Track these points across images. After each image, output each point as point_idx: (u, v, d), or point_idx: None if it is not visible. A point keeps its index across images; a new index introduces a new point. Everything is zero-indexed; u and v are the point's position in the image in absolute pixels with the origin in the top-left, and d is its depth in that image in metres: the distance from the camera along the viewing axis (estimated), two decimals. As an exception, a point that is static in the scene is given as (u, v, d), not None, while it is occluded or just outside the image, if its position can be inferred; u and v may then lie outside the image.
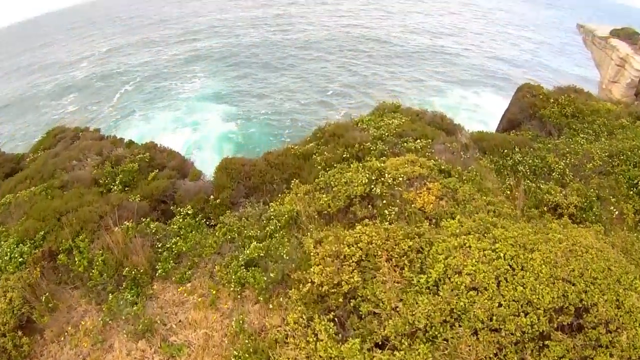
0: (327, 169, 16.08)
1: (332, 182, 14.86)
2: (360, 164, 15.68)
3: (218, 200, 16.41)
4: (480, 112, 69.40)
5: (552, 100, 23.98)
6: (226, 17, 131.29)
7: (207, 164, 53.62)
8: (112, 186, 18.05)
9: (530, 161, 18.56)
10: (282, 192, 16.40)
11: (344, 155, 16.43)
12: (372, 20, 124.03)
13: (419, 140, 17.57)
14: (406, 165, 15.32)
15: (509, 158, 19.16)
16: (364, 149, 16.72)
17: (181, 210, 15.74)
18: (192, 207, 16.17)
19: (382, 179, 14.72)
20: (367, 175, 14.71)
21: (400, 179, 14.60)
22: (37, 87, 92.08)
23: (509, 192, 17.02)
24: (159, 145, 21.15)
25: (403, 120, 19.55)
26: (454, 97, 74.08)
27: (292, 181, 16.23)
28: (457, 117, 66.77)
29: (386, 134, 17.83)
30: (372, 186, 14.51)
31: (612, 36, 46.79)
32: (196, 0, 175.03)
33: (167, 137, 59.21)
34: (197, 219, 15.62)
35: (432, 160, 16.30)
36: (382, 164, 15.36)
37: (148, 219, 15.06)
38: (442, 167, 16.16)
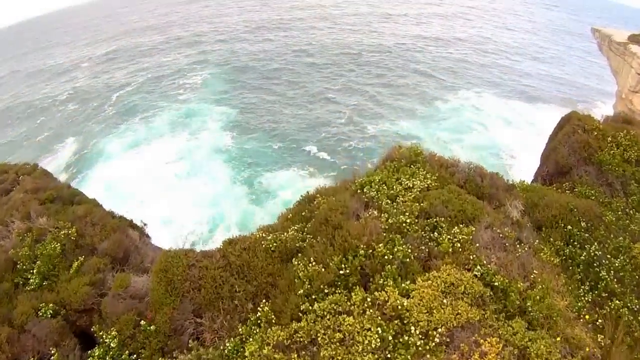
0: (314, 295, 8.83)
1: (319, 336, 7.67)
2: (368, 296, 8.45)
3: (153, 327, 9.41)
4: (482, 114, 62.65)
5: (609, 139, 16.48)
6: (229, 21, 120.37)
7: (197, 174, 48.60)
8: (29, 275, 12.55)
9: (615, 263, 11.21)
10: (247, 315, 9.39)
11: (341, 271, 9.07)
12: (371, 24, 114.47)
13: (456, 229, 10.24)
14: (443, 300, 8.21)
15: (576, 244, 11.97)
16: (374, 257, 9.39)
17: (104, 335, 10.20)
18: (118, 332, 9.50)
19: (406, 336, 7.53)
20: (379, 330, 7.55)
21: (437, 336, 7.44)
22: (37, 89, 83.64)
23: (587, 317, 9.86)
24: (95, 210, 13.98)
25: (428, 182, 12.24)
26: (457, 100, 66.58)
27: (261, 305, 9.17)
28: (460, 119, 60.58)
29: (407, 219, 10.43)
30: (389, 354, 7.33)
31: (631, 42, 38.67)
32: (197, 3, 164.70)
33: (163, 144, 53.11)
34: (123, 357, 9.83)
35: (478, 267, 9.24)
36: (404, 301, 8.13)
37: (56, 354, 9.92)
38: (496, 283, 8.98)
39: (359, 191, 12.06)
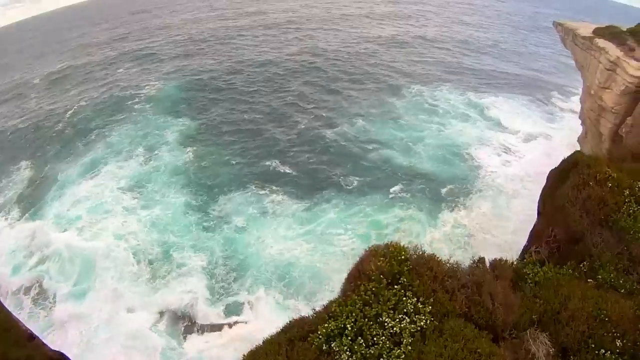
0: None
1: None
2: None
3: None
4: (439, 110, 60.65)
5: (626, 192, 12.76)
6: (182, 32, 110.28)
7: (153, 198, 42.77)
8: None
9: None
10: None
11: None
12: (327, 26, 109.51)
13: None
14: None
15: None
16: None
17: None
18: None
19: None
20: None
21: None
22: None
23: None
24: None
25: (422, 320, 8.10)
26: (414, 97, 64.34)
27: None
28: (417, 117, 57.24)
29: None
30: None
31: (597, 36, 35.58)
32: (146, 13, 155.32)
33: (120, 164, 48.29)
34: None
35: None
36: None
37: None
38: None
39: (324, 347, 7.92)
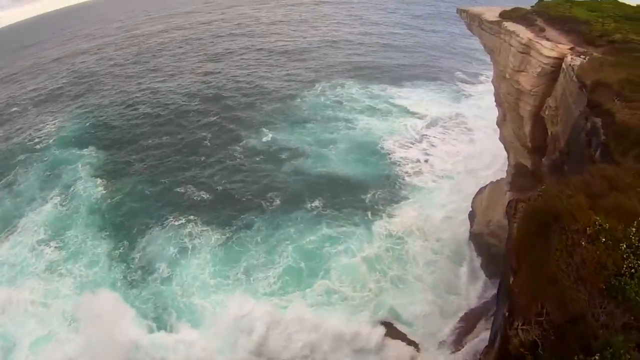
0: None
1: None
2: None
3: None
4: (346, 107, 60.22)
5: (623, 247, 10.42)
6: (90, 59, 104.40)
7: (71, 251, 38.14)
8: None
9: None
10: None
11: None
12: (220, 35, 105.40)
13: None
14: None
15: None
16: None
17: None
18: None
19: None
20: None
21: None
22: None
23: None
24: None
25: None
26: (315, 97, 63.86)
27: None
28: (324, 115, 53.56)
29: None
30: None
31: (505, 19, 34.91)
32: (37, 47, 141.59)
33: (35, 215, 42.98)
34: None
35: None
36: None
37: None
38: None
39: None
